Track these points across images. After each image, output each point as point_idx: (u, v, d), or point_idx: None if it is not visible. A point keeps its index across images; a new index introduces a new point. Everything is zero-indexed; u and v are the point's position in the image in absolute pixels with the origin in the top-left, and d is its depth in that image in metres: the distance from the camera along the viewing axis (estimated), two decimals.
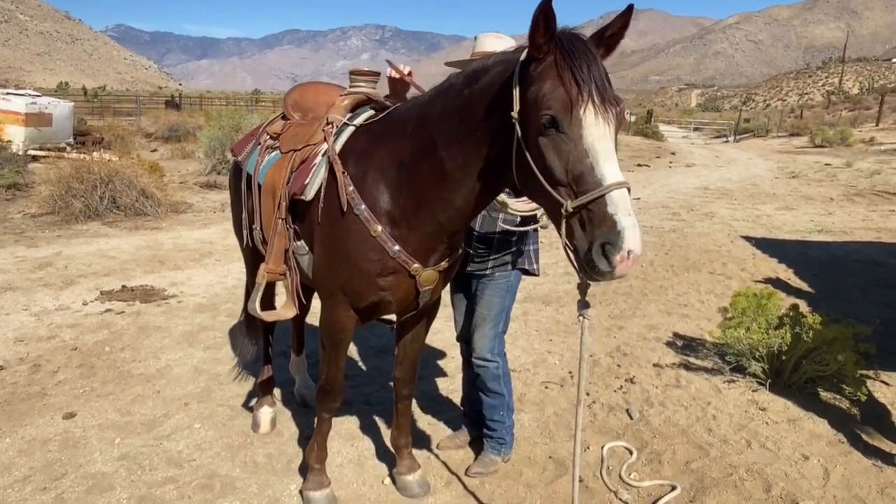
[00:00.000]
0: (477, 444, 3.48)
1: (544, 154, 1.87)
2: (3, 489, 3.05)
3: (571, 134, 1.82)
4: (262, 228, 2.94)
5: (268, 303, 3.24)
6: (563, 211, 1.83)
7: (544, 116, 1.83)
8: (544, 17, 1.81)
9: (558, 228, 1.91)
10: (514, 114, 1.93)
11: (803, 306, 5.30)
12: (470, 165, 2.20)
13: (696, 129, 49.07)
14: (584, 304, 2.13)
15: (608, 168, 1.79)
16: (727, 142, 37.93)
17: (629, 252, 1.75)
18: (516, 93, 1.94)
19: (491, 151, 2.13)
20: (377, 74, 2.90)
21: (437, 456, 3.47)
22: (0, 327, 5.07)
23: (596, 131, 1.81)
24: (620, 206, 1.77)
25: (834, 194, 14.72)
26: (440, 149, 2.24)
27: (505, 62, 2.07)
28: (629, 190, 1.84)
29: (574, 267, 1.93)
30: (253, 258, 3.23)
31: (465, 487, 3.20)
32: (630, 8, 1.89)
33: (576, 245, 1.86)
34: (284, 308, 2.89)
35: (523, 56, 1.97)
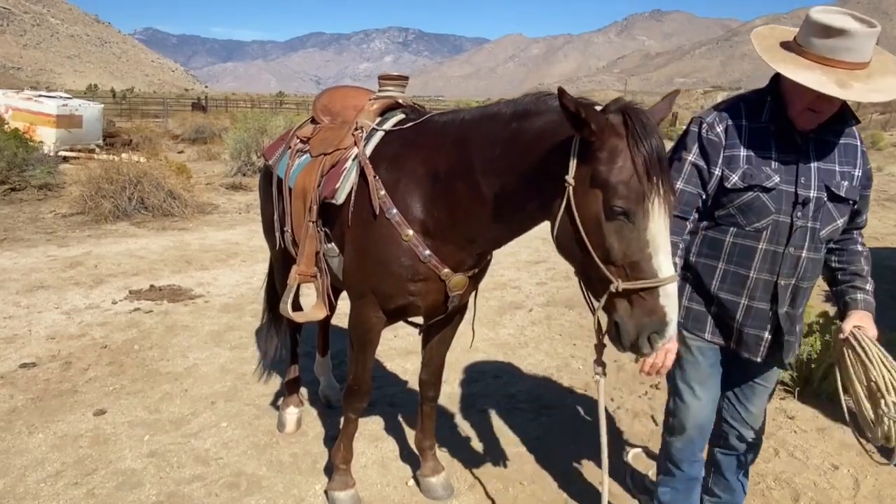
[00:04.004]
0: None
1: (605, 235, 1.85)
2: (37, 483, 3.12)
3: (637, 224, 1.81)
4: (293, 231, 2.97)
5: (296, 304, 3.28)
6: (612, 289, 1.87)
7: (617, 207, 1.81)
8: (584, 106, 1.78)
9: (595, 297, 2.00)
10: (570, 179, 1.89)
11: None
12: (510, 196, 2.19)
13: None
14: (600, 364, 2.16)
15: (665, 261, 1.84)
16: None
17: (670, 338, 1.89)
18: (574, 159, 1.89)
19: (533, 194, 2.10)
20: (406, 79, 2.93)
21: (460, 459, 3.48)
22: (33, 325, 5.19)
23: (659, 223, 1.81)
24: (672, 299, 1.85)
25: None
26: (477, 172, 2.24)
27: (560, 112, 1.89)
28: None
29: (599, 332, 2.07)
30: (284, 260, 3.27)
31: (488, 491, 3.21)
32: (676, 92, 1.90)
33: (617, 322, 1.91)
34: (315, 309, 2.92)
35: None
